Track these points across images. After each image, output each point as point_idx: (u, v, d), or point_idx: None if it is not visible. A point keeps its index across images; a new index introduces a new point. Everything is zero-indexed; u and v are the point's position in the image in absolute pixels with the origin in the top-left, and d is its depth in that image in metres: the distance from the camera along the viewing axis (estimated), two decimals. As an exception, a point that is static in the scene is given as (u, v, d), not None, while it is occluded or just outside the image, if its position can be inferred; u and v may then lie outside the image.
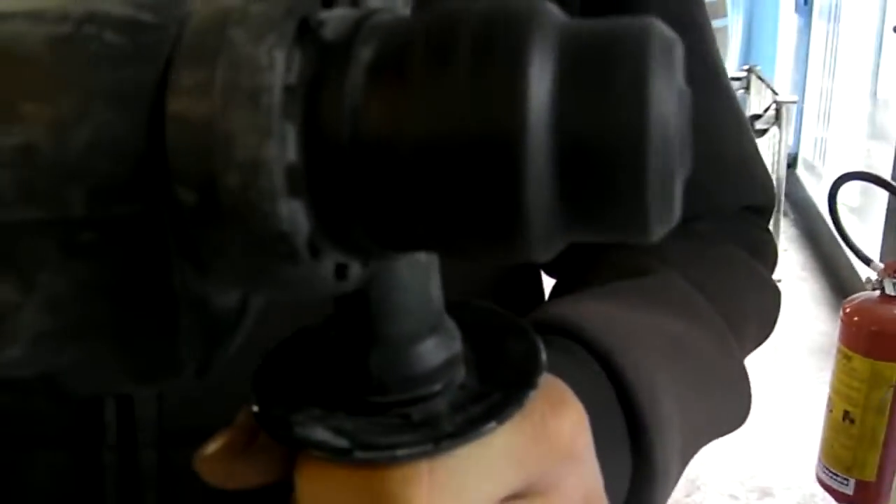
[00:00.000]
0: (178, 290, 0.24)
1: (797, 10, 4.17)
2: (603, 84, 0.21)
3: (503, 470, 0.29)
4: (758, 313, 0.61)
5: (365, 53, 0.23)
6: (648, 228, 0.22)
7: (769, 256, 0.64)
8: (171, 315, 0.25)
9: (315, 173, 0.23)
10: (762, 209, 0.65)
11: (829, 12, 3.88)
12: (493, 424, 0.30)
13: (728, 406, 0.55)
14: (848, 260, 2.96)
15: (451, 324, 0.32)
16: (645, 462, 0.43)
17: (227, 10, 0.23)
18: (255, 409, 0.31)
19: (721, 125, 0.62)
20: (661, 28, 0.22)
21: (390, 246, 0.24)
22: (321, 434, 0.30)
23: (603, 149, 0.21)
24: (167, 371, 0.26)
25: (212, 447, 0.33)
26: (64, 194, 0.23)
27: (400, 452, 0.28)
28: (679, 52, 0.23)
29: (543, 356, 0.32)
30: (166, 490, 0.50)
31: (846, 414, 1.86)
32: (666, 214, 0.22)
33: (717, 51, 0.63)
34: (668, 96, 0.22)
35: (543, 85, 0.21)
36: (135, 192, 0.23)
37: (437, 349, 0.31)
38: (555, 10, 0.23)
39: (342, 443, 0.30)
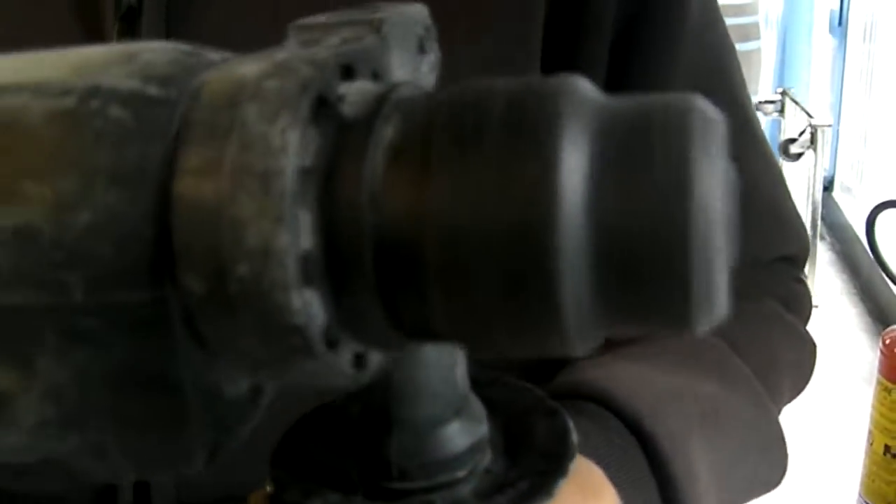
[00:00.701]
0: (185, 380, 0.23)
1: (831, 31, 4.11)
2: (642, 169, 0.19)
3: None
4: (792, 369, 0.59)
5: (386, 133, 0.21)
6: (692, 323, 0.20)
7: (804, 308, 0.62)
8: (179, 405, 0.23)
9: (332, 261, 0.21)
10: (796, 258, 0.64)
11: (865, 33, 3.83)
12: None
13: (764, 467, 0.53)
14: (887, 285, 2.90)
15: (477, 405, 0.30)
16: None
17: (241, 83, 0.21)
18: (270, 493, 0.30)
19: (752, 174, 0.60)
20: (704, 106, 0.20)
21: (412, 337, 0.23)
22: None
23: (643, 239, 0.19)
24: (175, 461, 0.25)
25: None
26: (63, 279, 0.22)
27: None
28: (722, 129, 0.21)
29: (575, 439, 0.31)
30: None
31: (887, 448, 1.81)
32: (711, 308, 0.20)
33: (748, 96, 0.62)
34: (712, 180, 0.20)
35: (577, 171, 0.19)
36: (139, 278, 0.21)
37: (461, 433, 0.29)
38: (589, 88, 0.21)
39: None
